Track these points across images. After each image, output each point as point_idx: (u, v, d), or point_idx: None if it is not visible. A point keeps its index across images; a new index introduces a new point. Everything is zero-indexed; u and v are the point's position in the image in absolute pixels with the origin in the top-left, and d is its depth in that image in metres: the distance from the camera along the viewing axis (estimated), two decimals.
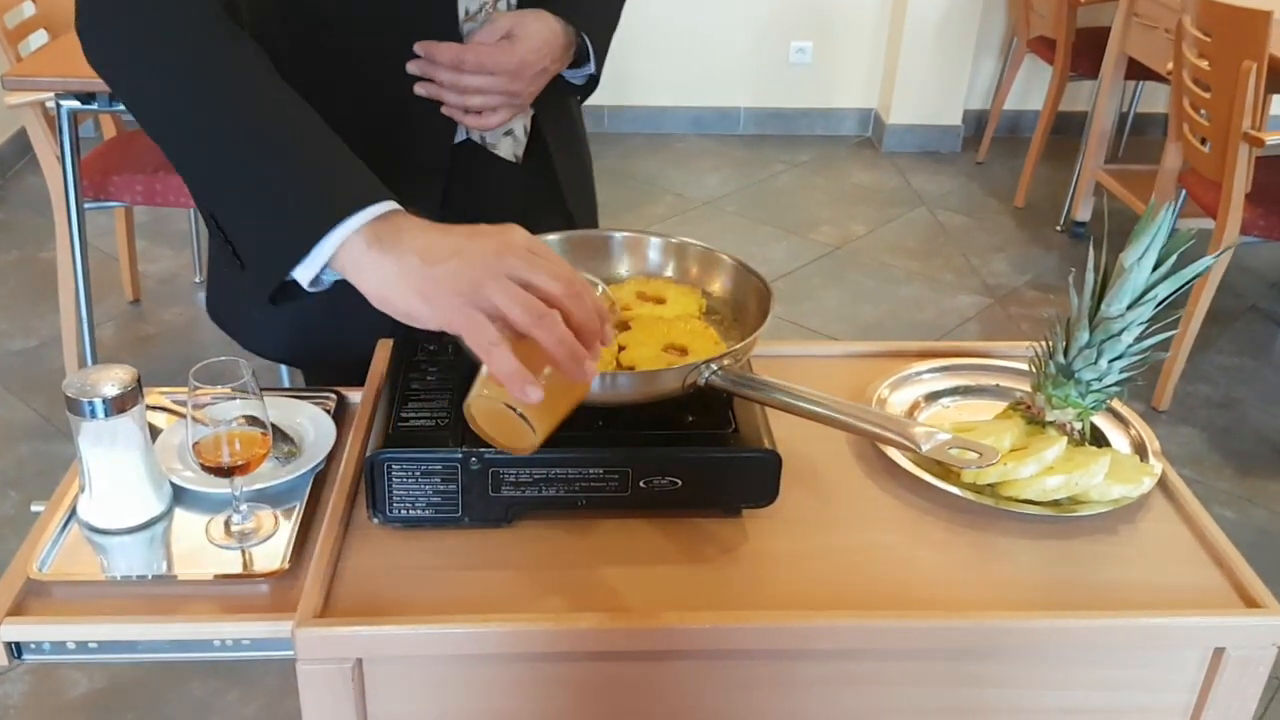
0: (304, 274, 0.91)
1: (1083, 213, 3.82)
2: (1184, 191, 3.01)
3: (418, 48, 1.17)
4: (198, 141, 0.94)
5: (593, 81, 1.32)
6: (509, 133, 1.29)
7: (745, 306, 1.16)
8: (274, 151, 0.92)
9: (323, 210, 0.87)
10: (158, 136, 0.97)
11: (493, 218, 0.91)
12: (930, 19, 4.38)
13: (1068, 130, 4.40)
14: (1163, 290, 1.06)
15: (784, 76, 4.69)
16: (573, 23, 1.23)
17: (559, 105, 1.34)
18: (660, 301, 1.17)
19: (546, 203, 1.37)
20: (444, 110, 1.21)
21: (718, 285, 1.20)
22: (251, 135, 0.92)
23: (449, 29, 1.18)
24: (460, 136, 1.27)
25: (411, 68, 1.18)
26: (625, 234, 1.24)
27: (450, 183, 1.27)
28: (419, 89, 1.19)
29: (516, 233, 0.87)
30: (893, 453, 1.09)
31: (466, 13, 1.20)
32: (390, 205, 0.89)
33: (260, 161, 0.91)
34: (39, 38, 2.69)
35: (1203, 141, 2.82)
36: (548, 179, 1.36)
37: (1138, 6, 3.43)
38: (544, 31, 1.20)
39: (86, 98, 2.30)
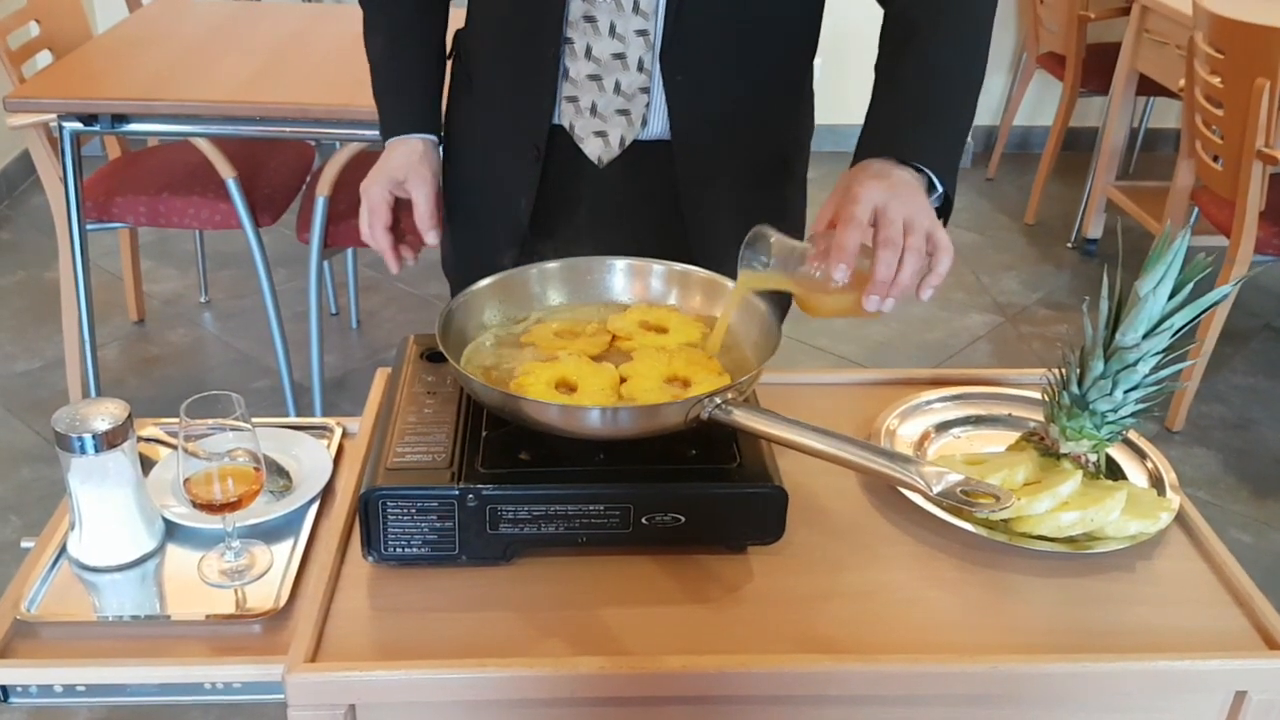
0: None
1: (1094, 230, 3.79)
2: (1196, 209, 2.98)
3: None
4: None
5: (947, 202, 1.15)
6: (600, 134, 1.28)
7: (751, 335, 1.14)
8: (380, 84, 1.40)
9: (384, 128, 1.38)
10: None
11: (571, 205, 1.31)
12: None
13: (1078, 146, 4.37)
14: (1179, 319, 1.03)
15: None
16: (907, 157, 1.09)
17: (713, 170, 1.30)
18: (663, 331, 1.14)
19: (627, 217, 1.32)
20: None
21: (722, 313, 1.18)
22: (375, 70, 1.40)
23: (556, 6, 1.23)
24: (555, 120, 1.29)
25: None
26: (628, 261, 1.21)
27: (547, 160, 1.32)
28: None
29: (378, 185, 1.32)
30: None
31: None
32: (396, 139, 1.35)
33: (377, 85, 1.40)
34: (44, 58, 2.69)
35: (1215, 159, 2.79)
36: (630, 199, 1.32)
37: (1149, 22, 3.41)
38: (876, 186, 1.05)
39: (89, 119, 2.29)
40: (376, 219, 1.31)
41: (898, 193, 1.04)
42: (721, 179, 1.32)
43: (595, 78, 1.24)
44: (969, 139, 4.58)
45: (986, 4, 1.21)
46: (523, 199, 1.33)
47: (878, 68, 1.22)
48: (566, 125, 1.28)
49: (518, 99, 1.31)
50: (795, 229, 1.45)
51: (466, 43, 1.39)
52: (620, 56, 1.23)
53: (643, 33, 1.22)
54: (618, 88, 1.25)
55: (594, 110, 1.26)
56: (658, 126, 1.28)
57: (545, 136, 1.29)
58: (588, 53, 1.23)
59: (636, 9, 1.21)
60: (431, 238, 1.34)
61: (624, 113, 1.26)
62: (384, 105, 1.39)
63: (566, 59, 1.24)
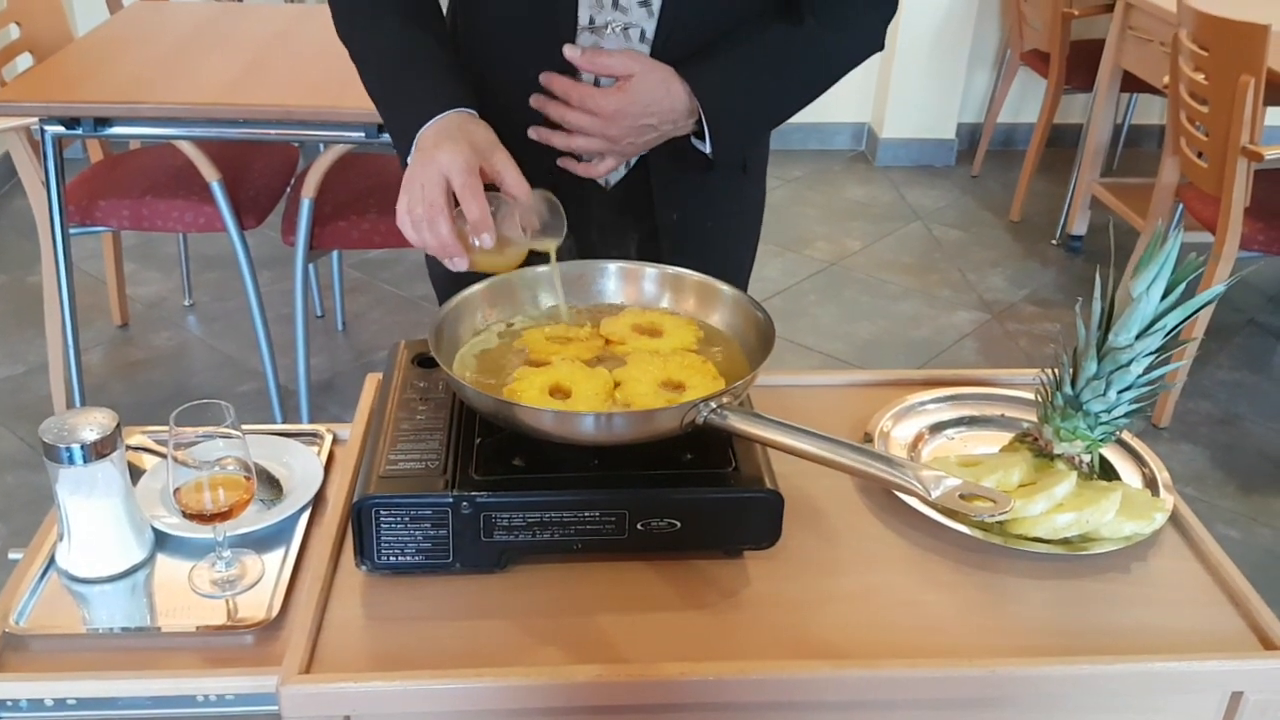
0: None
1: (1079, 226, 3.80)
2: (1181, 206, 2.99)
3: (541, 78, 1.20)
4: (365, 77, 1.27)
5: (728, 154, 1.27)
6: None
7: (745, 338, 1.13)
8: (386, 82, 1.25)
9: (405, 130, 1.17)
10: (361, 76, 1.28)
11: (578, 228, 1.17)
12: (923, 32, 4.36)
13: (1062, 143, 4.38)
14: (1172, 319, 1.03)
15: None
16: (697, 94, 1.19)
17: (684, 165, 1.29)
18: (657, 334, 1.13)
19: (636, 237, 1.30)
20: (559, 162, 1.25)
21: (716, 316, 1.17)
22: (380, 75, 1.26)
23: (567, 35, 1.21)
24: None
25: (533, 102, 1.22)
26: (620, 264, 1.21)
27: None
28: (532, 133, 1.23)
29: (440, 166, 1.09)
30: None
31: (591, 20, 1.21)
32: (438, 119, 1.14)
33: (383, 89, 1.25)
34: (24, 61, 2.67)
35: (1200, 155, 2.80)
36: (641, 219, 1.32)
37: (1132, 20, 3.42)
38: (657, 90, 1.18)
39: (71, 123, 2.26)
40: (439, 213, 1.07)
41: (659, 102, 1.18)
42: (690, 184, 1.32)
43: None
44: (953, 136, 4.59)
45: (851, 52, 1.28)
46: None
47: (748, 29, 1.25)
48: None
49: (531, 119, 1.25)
50: (751, 218, 1.48)
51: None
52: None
53: (644, 40, 1.21)
54: None
55: None
56: None
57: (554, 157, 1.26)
58: (595, 82, 1.22)
59: (642, 37, 1.21)
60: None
61: None
62: (410, 91, 1.20)
63: None
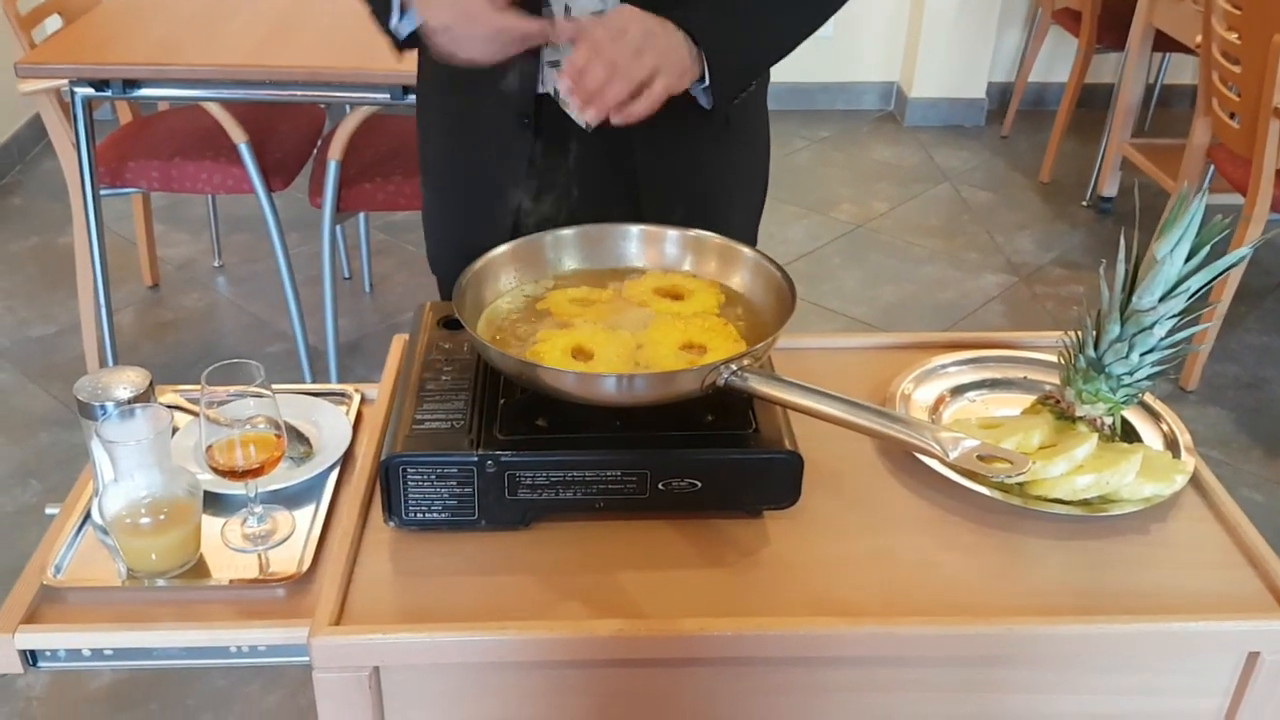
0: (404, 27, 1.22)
1: (1109, 188, 3.76)
2: (1212, 167, 2.95)
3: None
4: None
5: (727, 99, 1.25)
6: None
7: (766, 300, 1.14)
8: None
9: None
10: None
11: (561, 173, 1.28)
12: None
13: (1093, 103, 4.33)
14: (1196, 282, 1.03)
15: (803, 49, 4.61)
16: (693, 35, 1.16)
17: (665, 118, 1.19)
18: (678, 297, 1.14)
19: (613, 183, 1.32)
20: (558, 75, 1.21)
21: (737, 279, 1.18)
22: None
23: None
24: (541, 88, 1.29)
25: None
26: (642, 227, 1.21)
27: (539, 128, 1.31)
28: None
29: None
30: None
31: (567, 10, 1.20)
32: None
33: None
34: (53, 23, 2.68)
35: (1232, 116, 2.76)
36: (621, 162, 1.32)
37: None
38: (650, 22, 1.14)
39: (100, 84, 2.28)
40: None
41: (655, 34, 1.13)
42: (671, 138, 1.31)
43: None
44: (983, 96, 4.54)
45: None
46: (519, 173, 1.32)
47: None
48: (552, 92, 1.27)
49: (501, 71, 1.25)
50: (746, 179, 1.48)
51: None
52: (600, 13, 1.19)
53: None
54: None
55: None
56: None
57: (533, 105, 1.28)
58: (566, 11, 1.21)
59: None
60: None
61: None
62: None
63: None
